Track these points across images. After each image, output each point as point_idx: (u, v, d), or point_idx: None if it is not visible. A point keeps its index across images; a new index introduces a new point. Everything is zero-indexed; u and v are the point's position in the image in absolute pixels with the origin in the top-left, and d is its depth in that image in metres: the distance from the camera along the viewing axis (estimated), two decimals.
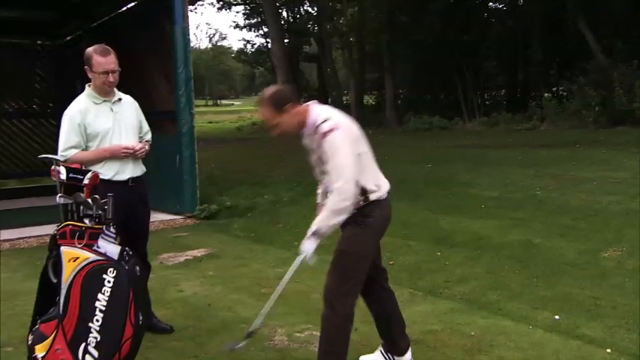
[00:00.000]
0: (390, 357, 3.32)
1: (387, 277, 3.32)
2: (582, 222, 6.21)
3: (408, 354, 3.30)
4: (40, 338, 3.00)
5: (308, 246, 2.91)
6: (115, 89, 3.68)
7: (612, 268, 4.90)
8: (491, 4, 25.26)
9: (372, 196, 2.97)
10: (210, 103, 72.36)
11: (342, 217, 2.86)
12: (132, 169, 3.69)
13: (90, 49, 3.54)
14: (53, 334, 2.97)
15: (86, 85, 3.65)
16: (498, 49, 23.49)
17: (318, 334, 3.67)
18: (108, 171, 3.57)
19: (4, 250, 6.64)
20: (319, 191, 3.28)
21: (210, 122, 37.15)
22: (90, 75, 3.57)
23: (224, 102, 73.92)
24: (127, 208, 3.54)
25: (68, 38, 10.79)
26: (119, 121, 3.65)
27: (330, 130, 2.83)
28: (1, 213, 8.50)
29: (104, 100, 3.62)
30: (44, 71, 12.24)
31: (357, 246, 2.98)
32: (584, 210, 6.65)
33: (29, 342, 3.07)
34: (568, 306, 4.14)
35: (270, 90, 2.99)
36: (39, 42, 12.22)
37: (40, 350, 2.99)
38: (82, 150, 3.55)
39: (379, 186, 3.02)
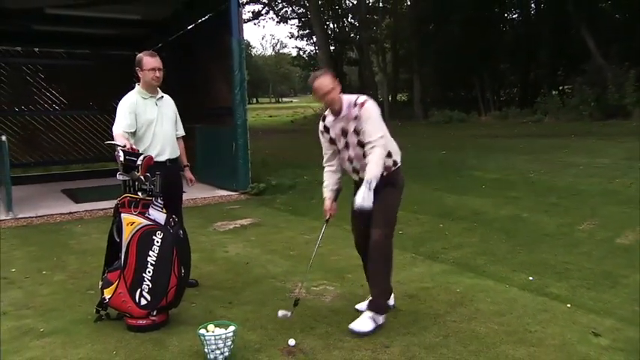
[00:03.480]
0: None
1: None
2: (565, 200, 6.03)
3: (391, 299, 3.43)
4: (108, 284, 3.20)
5: (369, 200, 2.86)
6: (158, 89, 3.75)
7: (584, 238, 4.78)
8: (506, 14, 24.38)
9: (399, 163, 3.19)
10: (273, 100, 72.87)
11: (383, 165, 3.00)
12: (169, 152, 3.77)
13: (140, 54, 3.66)
14: (117, 281, 3.15)
15: (136, 84, 3.73)
16: (512, 53, 22.71)
17: (331, 288, 3.79)
18: (151, 153, 3.59)
19: (99, 216, 6.92)
20: (327, 182, 3.32)
21: (271, 116, 37.45)
22: (140, 74, 3.64)
23: (285, 99, 74.15)
24: (165, 183, 3.54)
25: (159, 46, 11.13)
26: (161, 114, 3.74)
27: (366, 101, 3.04)
28: (103, 188, 8.87)
29: (150, 96, 3.70)
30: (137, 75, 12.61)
31: (396, 200, 3.18)
32: (568, 190, 6.45)
33: (99, 286, 3.28)
34: (542, 269, 4.07)
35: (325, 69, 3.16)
36: (136, 53, 12.53)
37: (107, 293, 3.19)
38: (131, 132, 3.58)
39: (399, 155, 3.21)
